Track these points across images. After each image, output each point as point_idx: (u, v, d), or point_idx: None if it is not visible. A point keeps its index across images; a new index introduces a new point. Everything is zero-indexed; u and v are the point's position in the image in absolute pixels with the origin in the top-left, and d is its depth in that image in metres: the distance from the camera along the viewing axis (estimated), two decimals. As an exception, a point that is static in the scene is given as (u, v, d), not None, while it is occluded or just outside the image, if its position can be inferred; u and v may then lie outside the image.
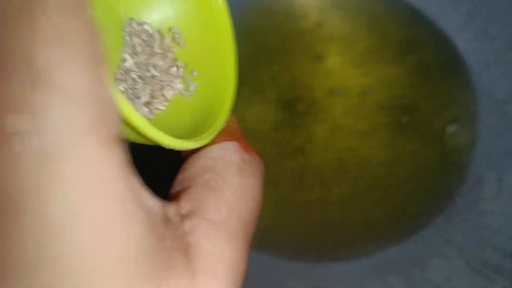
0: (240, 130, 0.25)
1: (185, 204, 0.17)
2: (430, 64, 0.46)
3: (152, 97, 0.23)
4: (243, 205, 0.19)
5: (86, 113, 0.12)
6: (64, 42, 0.11)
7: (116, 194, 0.12)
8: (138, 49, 0.24)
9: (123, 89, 0.23)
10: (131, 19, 0.24)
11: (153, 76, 0.23)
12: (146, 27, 0.24)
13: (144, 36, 0.24)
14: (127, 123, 0.16)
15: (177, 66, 0.25)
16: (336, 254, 0.40)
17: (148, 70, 0.23)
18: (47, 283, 0.11)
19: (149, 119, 0.23)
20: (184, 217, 0.16)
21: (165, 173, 0.21)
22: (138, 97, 0.23)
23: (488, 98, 0.43)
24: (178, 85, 0.24)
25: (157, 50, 0.24)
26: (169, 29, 0.25)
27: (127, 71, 0.23)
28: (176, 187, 0.19)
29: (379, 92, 0.46)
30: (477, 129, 0.42)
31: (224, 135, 0.22)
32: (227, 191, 0.18)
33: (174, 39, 0.25)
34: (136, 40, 0.24)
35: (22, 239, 0.11)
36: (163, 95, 0.24)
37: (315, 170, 0.44)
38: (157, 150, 0.20)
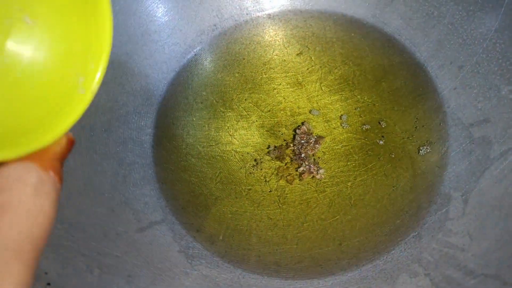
0: (56, 149, 0.23)
1: None
2: (403, 90, 0.49)
3: None
4: (35, 224, 0.20)
5: None
6: None
7: None
8: None
9: None
10: None
11: None
12: None
13: None
14: None
15: None
16: (312, 271, 0.42)
17: None
18: None
19: None
20: None
21: None
22: None
23: (457, 121, 0.45)
24: None
25: None
26: None
27: None
28: None
29: (356, 116, 0.49)
30: (446, 151, 0.45)
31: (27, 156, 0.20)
32: (20, 210, 0.19)
33: None
34: None
35: None
36: None
37: (296, 190, 0.46)
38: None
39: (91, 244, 0.39)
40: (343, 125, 0.48)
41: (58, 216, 0.39)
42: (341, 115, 0.49)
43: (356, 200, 0.45)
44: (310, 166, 0.46)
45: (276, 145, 0.48)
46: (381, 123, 0.47)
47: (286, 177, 0.47)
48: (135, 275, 0.39)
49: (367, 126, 0.48)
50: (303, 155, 0.47)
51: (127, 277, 0.39)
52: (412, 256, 0.40)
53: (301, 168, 0.46)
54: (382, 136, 0.47)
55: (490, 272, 0.34)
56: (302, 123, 0.49)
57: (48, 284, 0.34)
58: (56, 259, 0.36)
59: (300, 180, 0.46)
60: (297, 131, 0.48)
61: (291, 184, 0.46)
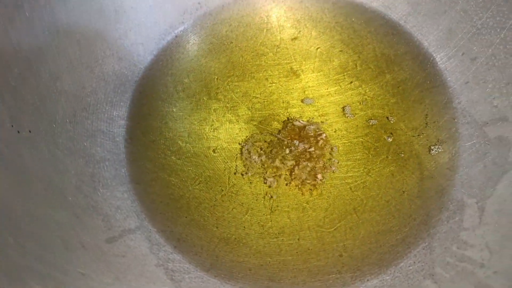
0: None
1: None
2: (408, 83, 0.44)
3: None
4: None
5: None
6: None
7: None
8: None
9: None
10: None
11: None
12: None
13: None
14: None
15: None
16: (310, 286, 0.37)
17: None
18: None
19: None
20: None
21: None
22: None
23: (469, 119, 0.41)
24: None
25: None
26: None
27: None
28: None
29: (358, 110, 0.44)
30: (457, 152, 0.40)
31: None
32: None
33: None
34: None
35: None
36: None
37: (289, 193, 0.41)
38: None
39: (48, 259, 0.32)
40: (347, 115, 0.43)
41: (7, 224, 0.33)
42: (344, 106, 0.44)
43: (358, 205, 0.40)
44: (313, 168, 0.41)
45: (266, 140, 0.43)
46: (390, 118, 0.42)
47: (279, 177, 0.41)
48: (104, 296, 0.33)
49: (371, 123, 0.43)
50: (303, 154, 0.41)
51: (94, 299, 0.32)
52: (423, 271, 0.35)
53: (301, 170, 0.41)
54: (390, 134, 0.42)
55: (517, 292, 0.30)
56: (296, 121, 0.43)
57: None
58: (1, 278, 0.29)
59: (298, 183, 0.41)
60: (293, 125, 0.43)
61: (288, 186, 0.41)
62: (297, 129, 0.43)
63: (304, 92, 0.45)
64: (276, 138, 0.43)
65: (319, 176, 0.40)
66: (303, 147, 0.41)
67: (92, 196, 0.38)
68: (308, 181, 0.41)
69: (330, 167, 0.41)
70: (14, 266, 0.30)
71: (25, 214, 0.33)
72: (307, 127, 0.43)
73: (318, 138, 0.42)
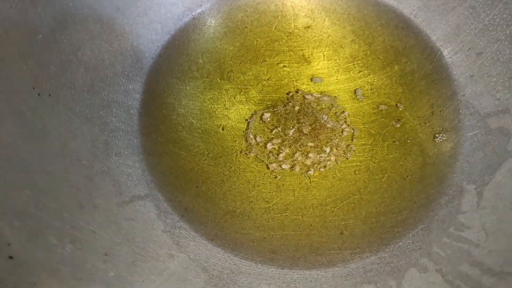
0: None
1: None
2: (415, 74, 0.46)
3: None
4: None
5: None
6: None
7: None
8: None
9: None
10: None
11: None
12: None
13: None
14: None
15: None
16: (311, 260, 0.38)
17: None
18: None
19: None
20: None
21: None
22: None
23: (472, 111, 0.42)
24: None
25: None
26: None
27: None
28: None
29: (368, 94, 0.45)
30: (459, 141, 0.42)
31: None
32: None
33: None
34: None
35: None
36: None
37: (295, 172, 0.42)
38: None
39: (64, 216, 0.33)
40: (359, 97, 0.45)
41: (25, 180, 0.34)
42: (356, 89, 0.45)
43: (360, 187, 0.41)
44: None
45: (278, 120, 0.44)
46: (398, 105, 0.44)
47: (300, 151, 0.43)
48: (113, 254, 0.34)
49: (379, 109, 0.44)
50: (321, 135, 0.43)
51: (103, 256, 0.34)
52: (421, 250, 0.37)
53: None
54: (398, 120, 0.44)
55: (510, 270, 0.31)
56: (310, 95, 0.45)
57: (10, 257, 0.29)
58: (21, 229, 0.30)
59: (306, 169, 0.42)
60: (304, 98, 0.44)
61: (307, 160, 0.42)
62: (303, 109, 0.44)
63: (314, 78, 0.46)
64: (283, 119, 0.44)
65: (330, 163, 0.42)
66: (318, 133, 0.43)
67: (105, 162, 0.40)
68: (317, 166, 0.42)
69: (345, 154, 0.43)
70: (33, 220, 0.32)
71: (43, 172, 0.35)
72: (314, 109, 0.44)
73: (340, 117, 0.44)
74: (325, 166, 0.42)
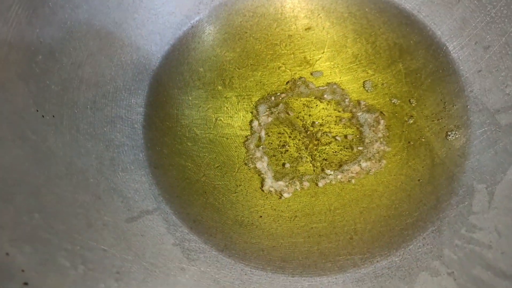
0: None
1: None
2: (421, 72, 0.45)
3: None
4: None
5: None
6: None
7: None
8: None
9: None
10: None
11: None
12: None
13: None
14: None
15: None
16: (321, 267, 0.38)
17: None
18: None
19: None
20: None
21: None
22: None
23: (481, 107, 0.41)
24: None
25: None
26: None
27: None
28: None
29: (369, 99, 0.44)
30: (468, 139, 0.41)
31: None
32: None
33: None
34: None
35: None
36: None
37: (302, 178, 0.42)
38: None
39: (74, 237, 0.34)
40: (367, 89, 0.44)
41: (35, 204, 0.35)
42: (365, 81, 0.44)
43: (369, 191, 0.41)
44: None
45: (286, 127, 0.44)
46: (411, 101, 0.43)
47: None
48: (125, 272, 0.34)
49: (384, 109, 0.44)
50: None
51: (115, 274, 0.34)
52: (432, 253, 0.36)
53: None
54: (411, 116, 0.43)
55: (524, 273, 0.31)
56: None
57: (25, 283, 0.29)
58: (34, 254, 0.31)
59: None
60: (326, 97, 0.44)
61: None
62: (307, 114, 0.44)
63: (317, 81, 0.46)
64: (288, 125, 0.44)
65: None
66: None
67: (112, 179, 0.40)
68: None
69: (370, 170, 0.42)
70: (44, 244, 0.32)
71: (50, 194, 0.35)
72: (318, 114, 0.43)
73: (325, 122, 0.43)
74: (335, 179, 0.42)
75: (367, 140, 0.42)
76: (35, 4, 0.38)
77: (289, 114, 0.44)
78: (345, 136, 0.43)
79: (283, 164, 0.42)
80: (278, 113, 0.44)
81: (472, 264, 0.34)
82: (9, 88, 0.36)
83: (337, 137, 0.43)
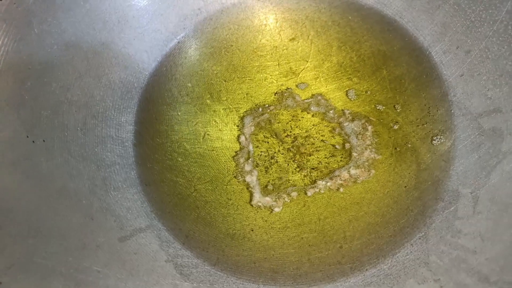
0: None
1: None
2: (405, 77, 0.45)
3: None
4: None
5: None
6: None
7: None
8: None
9: None
10: None
11: None
12: None
13: None
14: None
15: None
16: (312, 277, 0.39)
17: None
18: None
19: None
20: None
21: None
22: None
23: (464, 111, 0.42)
24: None
25: None
26: None
27: None
28: None
29: (355, 107, 0.45)
30: (453, 144, 0.41)
31: None
32: None
33: None
34: None
35: None
36: None
37: (290, 189, 0.43)
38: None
39: (68, 260, 0.35)
40: (351, 98, 0.45)
41: (29, 230, 0.36)
42: (341, 107, 0.45)
43: (357, 199, 0.42)
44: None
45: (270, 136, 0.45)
46: (396, 106, 0.44)
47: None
48: (119, 291, 0.35)
49: (370, 116, 0.44)
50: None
51: (109, 294, 0.35)
52: (419, 260, 0.37)
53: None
54: (397, 122, 0.43)
55: (507, 278, 0.31)
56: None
57: (19, 309, 0.30)
58: (27, 280, 0.32)
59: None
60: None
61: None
62: (295, 125, 0.44)
63: (304, 90, 0.46)
64: (276, 137, 0.45)
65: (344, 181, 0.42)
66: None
67: (105, 199, 0.41)
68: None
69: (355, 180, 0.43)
70: (38, 269, 0.33)
71: (44, 218, 0.36)
72: (305, 124, 0.44)
73: (311, 130, 0.43)
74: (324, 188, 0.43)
75: (356, 149, 0.43)
76: (21, 31, 0.39)
77: (271, 123, 0.45)
78: (334, 146, 0.44)
79: (266, 186, 0.43)
80: (262, 122, 0.45)
81: (457, 270, 0.34)
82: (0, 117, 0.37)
83: (324, 147, 0.44)
